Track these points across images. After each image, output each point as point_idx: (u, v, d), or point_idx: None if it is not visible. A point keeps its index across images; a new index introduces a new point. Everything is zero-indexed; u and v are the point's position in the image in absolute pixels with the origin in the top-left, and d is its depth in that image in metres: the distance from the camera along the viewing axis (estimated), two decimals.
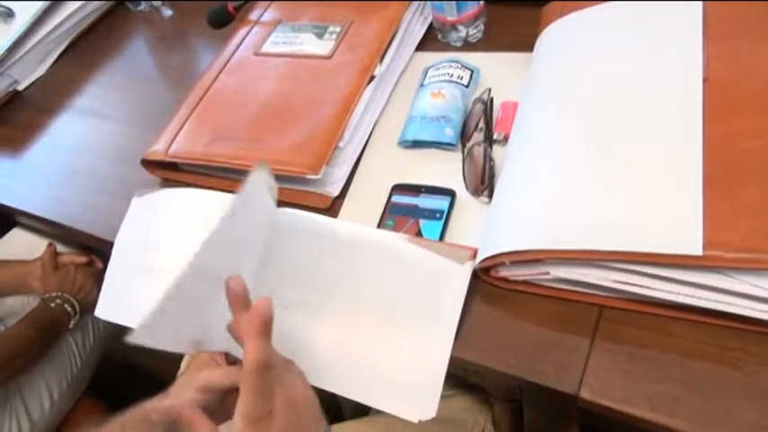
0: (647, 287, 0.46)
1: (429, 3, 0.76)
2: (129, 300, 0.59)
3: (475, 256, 0.54)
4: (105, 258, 0.66)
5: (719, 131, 0.48)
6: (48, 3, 0.99)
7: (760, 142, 0.47)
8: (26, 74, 1.00)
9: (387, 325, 0.53)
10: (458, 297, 0.53)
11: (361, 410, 0.80)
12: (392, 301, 0.54)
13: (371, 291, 0.55)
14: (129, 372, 1.23)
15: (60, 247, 0.99)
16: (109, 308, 0.62)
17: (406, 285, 0.55)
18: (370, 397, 0.51)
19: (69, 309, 0.92)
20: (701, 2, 0.58)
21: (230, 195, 0.60)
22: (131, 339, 0.43)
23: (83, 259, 0.98)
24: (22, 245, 0.99)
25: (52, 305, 0.91)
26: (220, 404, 0.55)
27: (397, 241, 0.57)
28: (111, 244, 0.66)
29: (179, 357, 0.84)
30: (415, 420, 0.50)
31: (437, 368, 0.51)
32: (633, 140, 0.51)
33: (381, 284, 0.55)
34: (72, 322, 0.93)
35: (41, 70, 1.01)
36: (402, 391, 0.51)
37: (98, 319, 1.05)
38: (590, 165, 0.52)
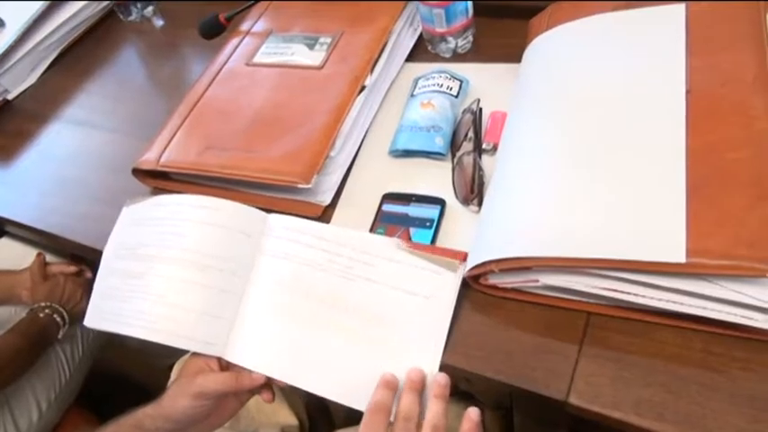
0: (634, 294, 0.47)
1: (419, 14, 0.77)
2: (118, 307, 0.59)
3: (464, 260, 0.55)
4: (95, 268, 0.66)
5: (702, 142, 0.49)
6: (39, 12, 0.99)
7: (742, 152, 0.48)
8: (16, 83, 1.00)
9: (377, 329, 0.54)
10: (448, 300, 0.54)
11: (351, 419, 0.80)
12: (382, 305, 0.55)
13: (362, 294, 0.55)
14: (118, 383, 1.22)
15: (49, 257, 0.98)
16: (97, 316, 0.61)
17: (396, 289, 0.55)
18: (360, 401, 0.51)
19: (58, 319, 0.92)
20: (684, 15, 0.59)
21: (220, 200, 0.61)
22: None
23: (72, 269, 0.98)
24: (11, 254, 0.98)
25: (41, 315, 0.90)
26: (214, 409, 0.55)
27: (388, 245, 0.57)
28: (101, 253, 0.66)
29: (168, 368, 0.84)
30: None
31: (435, 355, 0.52)
32: (619, 150, 0.52)
33: (371, 288, 0.55)
34: (61, 332, 0.92)
35: (32, 79, 1.01)
36: None
37: (87, 330, 1.06)
38: (577, 174, 0.53)
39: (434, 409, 0.48)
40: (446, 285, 0.55)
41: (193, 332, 0.55)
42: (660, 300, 0.47)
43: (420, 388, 0.50)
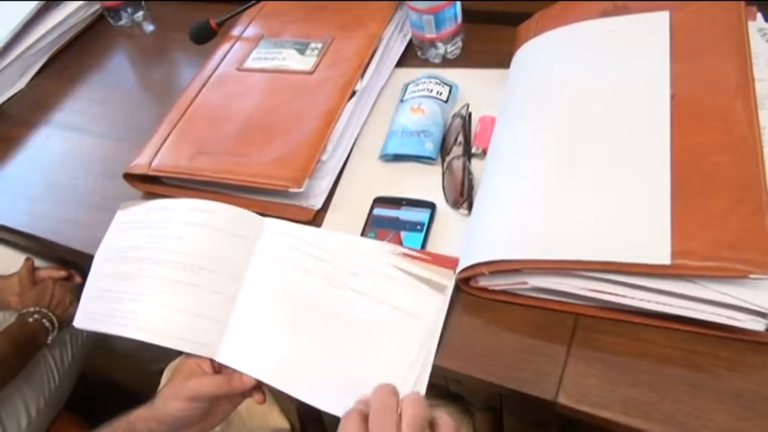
0: (620, 295, 0.48)
1: (408, 20, 0.78)
2: (109, 308, 0.59)
3: (455, 265, 0.55)
4: (84, 273, 0.66)
5: (686, 145, 0.51)
6: (27, 17, 0.99)
7: (724, 156, 0.49)
8: (5, 88, 0.99)
9: (357, 340, 0.54)
10: (440, 304, 0.54)
11: None
12: (365, 317, 0.55)
13: (347, 304, 0.56)
14: (108, 388, 1.21)
15: (38, 262, 0.98)
16: (87, 317, 0.61)
17: (381, 303, 0.55)
18: (338, 409, 0.51)
19: (47, 324, 0.91)
20: (668, 22, 0.60)
21: (215, 203, 0.61)
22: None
23: (61, 273, 0.97)
24: None
25: (30, 320, 0.89)
26: (207, 412, 0.55)
27: (379, 253, 0.58)
28: (91, 258, 0.66)
29: (158, 373, 0.83)
30: None
31: (421, 376, 0.52)
32: (605, 153, 0.53)
33: (357, 298, 0.56)
34: (50, 337, 0.91)
35: (21, 84, 1.00)
36: None
37: (77, 335, 1.05)
38: (564, 178, 0.53)
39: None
40: (433, 306, 0.54)
41: (185, 333, 0.55)
42: (646, 301, 0.48)
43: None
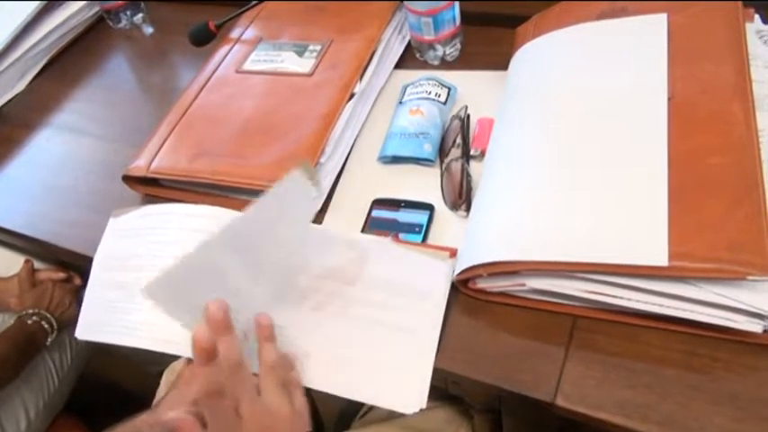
0: (618, 297, 0.48)
1: (407, 22, 0.78)
2: (113, 318, 0.59)
3: (454, 255, 0.56)
4: (84, 274, 0.66)
5: (684, 148, 0.51)
6: (27, 19, 0.99)
7: (721, 158, 0.49)
8: (5, 90, 0.99)
9: (373, 320, 0.54)
10: (442, 289, 0.55)
11: (342, 424, 0.80)
12: (377, 297, 0.55)
13: (357, 289, 0.56)
14: (107, 390, 1.22)
15: (37, 264, 0.98)
16: (90, 329, 0.62)
17: (391, 282, 0.56)
18: (358, 393, 0.52)
19: (46, 326, 0.91)
20: (666, 25, 0.60)
21: (208, 207, 0.61)
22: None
23: (61, 275, 0.98)
24: None
25: (29, 322, 0.89)
26: None
27: (382, 244, 0.58)
28: (91, 260, 0.66)
29: (157, 374, 0.83)
30: (407, 411, 0.50)
31: (424, 360, 0.52)
32: (603, 155, 0.53)
33: (367, 283, 0.56)
34: (49, 339, 0.92)
35: (20, 86, 1.01)
36: (391, 384, 0.52)
37: (76, 337, 1.05)
38: (562, 180, 0.54)
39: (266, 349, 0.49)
40: (439, 271, 0.55)
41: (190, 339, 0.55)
42: (644, 302, 0.48)
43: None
